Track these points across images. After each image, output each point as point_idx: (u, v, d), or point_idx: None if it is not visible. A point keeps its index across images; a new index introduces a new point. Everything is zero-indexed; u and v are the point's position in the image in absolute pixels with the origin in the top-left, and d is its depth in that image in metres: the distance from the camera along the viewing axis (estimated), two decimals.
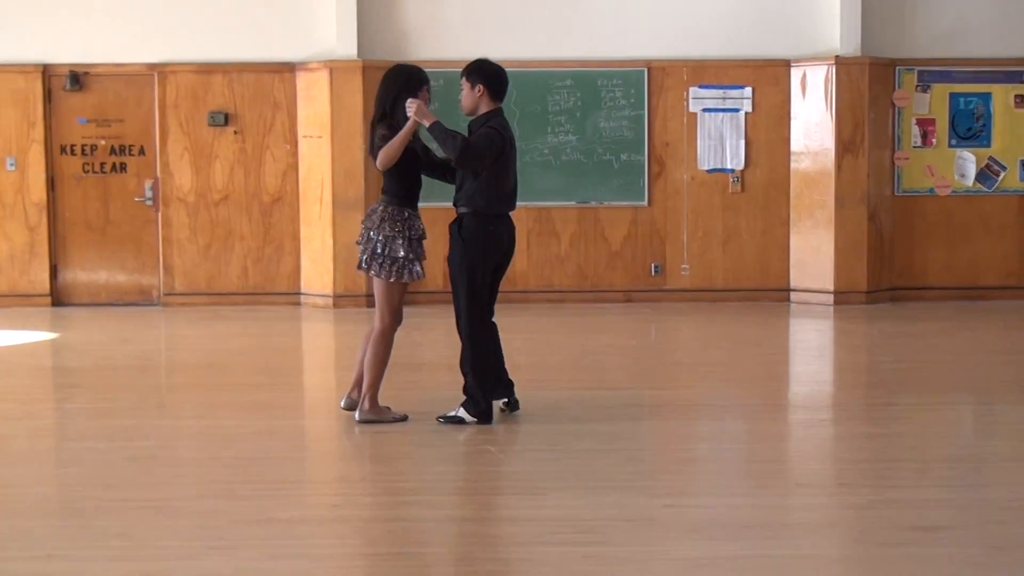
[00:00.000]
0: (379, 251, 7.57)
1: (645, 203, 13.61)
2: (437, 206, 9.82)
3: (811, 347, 11.43)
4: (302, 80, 13.45)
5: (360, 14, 13.30)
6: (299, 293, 13.66)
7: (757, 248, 13.72)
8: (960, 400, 8.64)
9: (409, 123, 7.52)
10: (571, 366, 9.91)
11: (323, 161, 13.34)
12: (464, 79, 7.79)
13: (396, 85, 7.65)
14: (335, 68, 13.21)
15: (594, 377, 9.15)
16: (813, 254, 13.51)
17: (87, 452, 7.11)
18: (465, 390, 7.77)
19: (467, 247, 7.73)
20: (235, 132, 13.53)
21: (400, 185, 7.64)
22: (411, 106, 7.52)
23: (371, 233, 7.62)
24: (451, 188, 7.92)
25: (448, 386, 8.33)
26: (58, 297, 13.63)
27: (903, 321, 12.40)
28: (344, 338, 11.81)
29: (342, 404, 7.98)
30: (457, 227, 7.79)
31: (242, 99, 13.51)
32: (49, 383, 9.74)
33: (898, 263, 13.72)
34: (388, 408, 7.76)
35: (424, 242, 7.82)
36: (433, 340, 11.82)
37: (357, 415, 7.68)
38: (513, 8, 13.56)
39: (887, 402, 8.41)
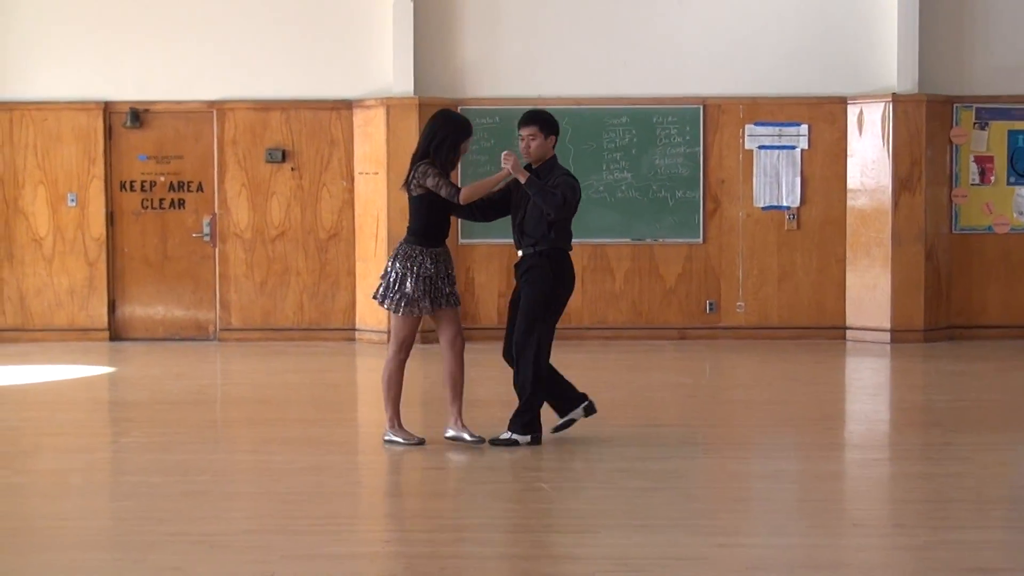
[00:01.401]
0: (392, 286, 7.93)
1: (700, 240, 13.57)
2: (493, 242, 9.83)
3: (867, 385, 11.33)
4: (359, 117, 13.56)
5: (417, 52, 13.40)
6: (354, 328, 13.73)
7: (813, 286, 13.64)
8: (1018, 440, 8.53)
9: (502, 173, 7.91)
10: (625, 403, 9.87)
11: (379, 197, 13.42)
12: (536, 128, 8.03)
13: (445, 130, 7.94)
14: (392, 105, 13.30)
15: (648, 415, 9.11)
16: (870, 292, 13.41)
17: (142, 486, 7.16)
18: (523, 410, 7.95)
19: (556, 279, 8.01)
20: (292, 169, 13.65)
21: (423, 224, 7.98)
22: (508, 160, 7.86)
23: (388, 266, 8.01)
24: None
25: (503, 423, 8.31)
26: (116, 332, 13.76)
27: (960, 360, 12.27)
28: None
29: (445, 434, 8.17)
30: (545, 261, 7.98)
31: (299, 136, 13.63)
32: (105, 417, 9.83)
33: (956, 301, 13.60)
34: (406, 431, 8.11)
35: (443, 279, 8.00)
36: (487, 377, 11.82)
37: (385, 436, 8.10)
38: (569, 46, 13.61)
39: (944, 441, 8.32)
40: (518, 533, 6.15)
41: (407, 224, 8.08)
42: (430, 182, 7.83)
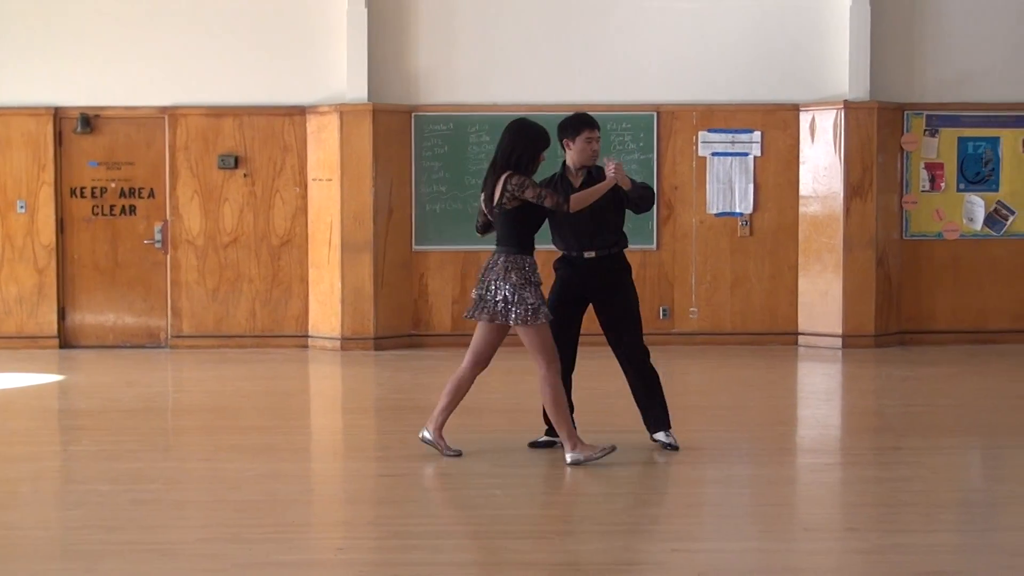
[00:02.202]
0: (511, 300, 7.62)
1: (654, 247, 13.61)
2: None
3: (819, 391, 11.39)
4: (312, 123, 13.51)
5: (371, 58, 13.37)
6: (307, 336, 13.67)
7: (766, 292, 13.71)
8: (968, 444, 8.60)
9: (607, 182, 7.81)
10: (579, 409, 9.86)
11: (332, 204, 13.38)
12: (596, 130, 8.12)
13: (524, 142, 7.78)
14: (345, 112, 13.27)
15: (603, 420, 9.11)
16: (821, 298, 13.49)
17: (92, 495, 7.09)
18: (662, 405, 8.06)
19: (632, 280, 8.17)
20: (245, 175, 13.58)
21: (519, 234, 7.71)
22: (617, 171, 7.82)
23: (496, 284, 7.67)
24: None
25: (457, 429, 8.28)
26: (66, 339, 13.65)
27: (911, 365, 12.37)
28: (351, 381, 11.80)
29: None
30: (615, 266, 8.11)
31: (252, 142, 13.57)
32: (55, 425, 9.73)
33: (906, 307, 13.70)
34: (591, 445, 7.75)
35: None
36: (441, 383, 11.80)
37: (568, 457, 7.65)
38: (523, 53, 13.63)
39: (895, 446, 8.37)
40: (472, 540, 6.14)
41: (497, 238, 7.80)
42: (530, 194, 7.60)
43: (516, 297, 7.61)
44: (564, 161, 8.25)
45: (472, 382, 7.98)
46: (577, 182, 8.09)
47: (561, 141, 8.21)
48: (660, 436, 8.10)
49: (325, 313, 13.54)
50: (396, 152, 13.46)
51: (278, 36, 13.59)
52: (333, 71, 13.51)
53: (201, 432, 9.19)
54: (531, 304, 7.60)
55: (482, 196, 7.88)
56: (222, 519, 6.55)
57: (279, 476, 7.54)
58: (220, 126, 13.55)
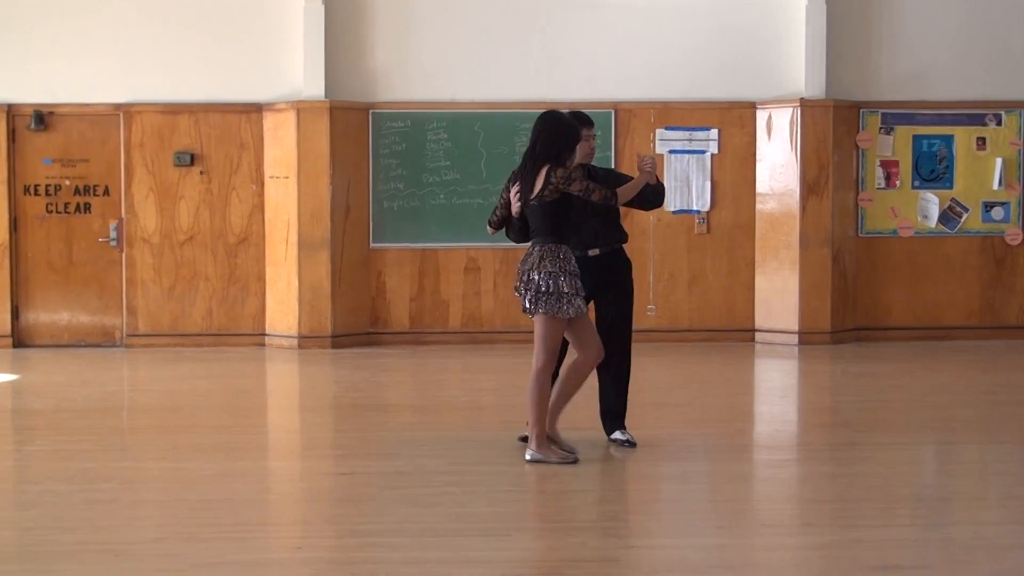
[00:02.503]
0: (543, 289, 7.53)
1: None
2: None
3: (776, 387, 11.45)
4: (269, 121, 13.46)
5: (328, 55, 13.33)
6: (264, 334, 13.61)
7: (722, 289, 13.77)
8: (923, 440, 8.67)
9: (643, 176, 7.91)
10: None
11: (289, 202, 13.33)
12: (592, 128, 8.16)
13: (560, 135, 7.67)
14: (302, 109, 13.22)
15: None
16: (778, 295, 13.56)
17: (46, 495, 7.03)
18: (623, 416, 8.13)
19: (631, 278, 8.25)
20: (201, 172, 13.51)
21: (555, 224, 7.62)
22: (652, 165, 7.92)
23: (532, 274, 7.58)
24: None
25: (415, 427, 8.27)
26: (20, 338, 13.53)
27: (867, 361, 12.45)
28: (309, 379, 11.77)
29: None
30: (618, 262, 8.17)
31: (208, 139, 13.50)
32: (8, 425, 9.64)
33: (862, 304, 13.79)
34: (555, 449, 7.71)
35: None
36: (399, 382, 11.79)
37: (527, 454, 7.66)
38: (482, 51, 13.62)
39: (851, 442, 8.42)
40: (429, 537, 6.13)
41: (532, 230, 7.67)
42: (576, 187, 7.52)
43: (550, 286, 7.51)
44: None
45: (552, 377, 7.77)
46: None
47: None
48: (618, 435, 8.13)
49: (282, 311, 13.49)
50: (353, 150, 13.43)
51: (234, 33, 13.52)
52: (290, 68, 13.45)
53: (157, 431, 9.13)
54: (564, 293, 7.52)
55: (510, 190, 7.75)
56: (178, 519, 6.51)
57: (236, 475, 7.51)
58: (176, 123, 13.47)
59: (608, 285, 8.12)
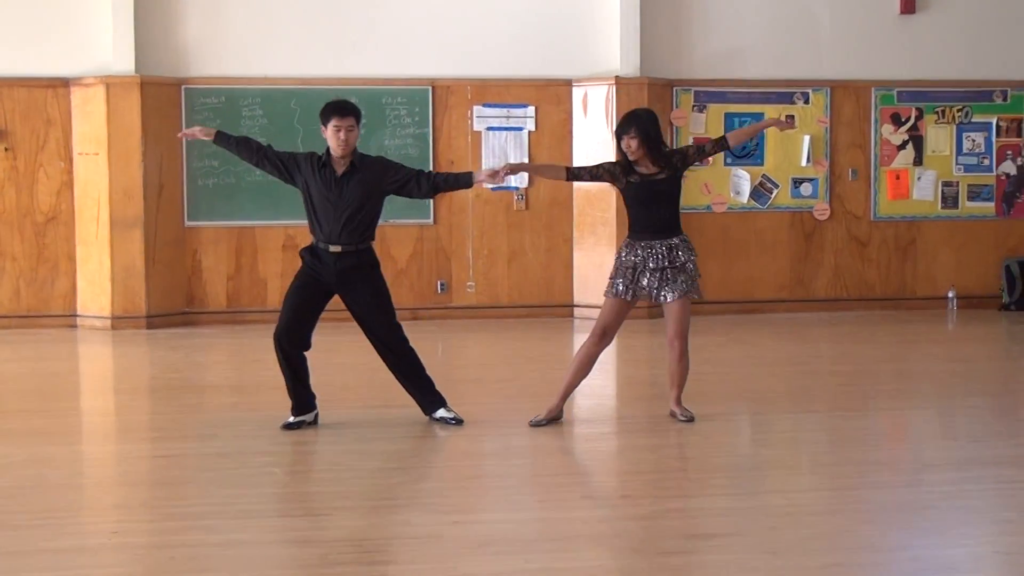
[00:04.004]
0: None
1: (431, 221, 13.64)
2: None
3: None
4: (77, 96, 13.08)
5: (137, 29, 13.00)
6: (75, 315, 13.25)
7: (541, 265, 13.89)
8: (736, 411, 8.89)
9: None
10: (355, 385, 9.85)
11: (100, 179, 12.98)
12: (354, 120, 8.11)
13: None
14: (112, 84, 12.88)
15: (380, 396, 9.10)
16: (596, 270, 13.71)
17: None
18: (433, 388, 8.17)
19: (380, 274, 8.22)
20: (5, 149, 13.07)
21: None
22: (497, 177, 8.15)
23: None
24: None
25: (234, 408, 8.16)
26: None
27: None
28: (123, 360, 11.50)
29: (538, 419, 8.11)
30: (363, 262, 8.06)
31: (13, 115, 13.06)
32: None
33: None
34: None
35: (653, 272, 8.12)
36: (216, 361, 11.62)
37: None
38: (297, 26, 13.44)
39: (668, 414, 8.58)
40: (249, 519, 6.05)
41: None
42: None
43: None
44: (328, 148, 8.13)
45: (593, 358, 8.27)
46: (339, 171, 8.00)
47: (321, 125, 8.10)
48: (442, 412, 8.14)
49: (94, 292, 13.15)
50: (166, 126, 13.13)
51: (40, 5, 13.09)
52: (98, 42, 13.08)
53: None
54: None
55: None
56: None
57: (47, 460, 7.30)
58: None
59: (349, 282, 8.02)
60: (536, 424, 8.07)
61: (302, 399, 8.07)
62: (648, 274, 8.08)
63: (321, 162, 8.04)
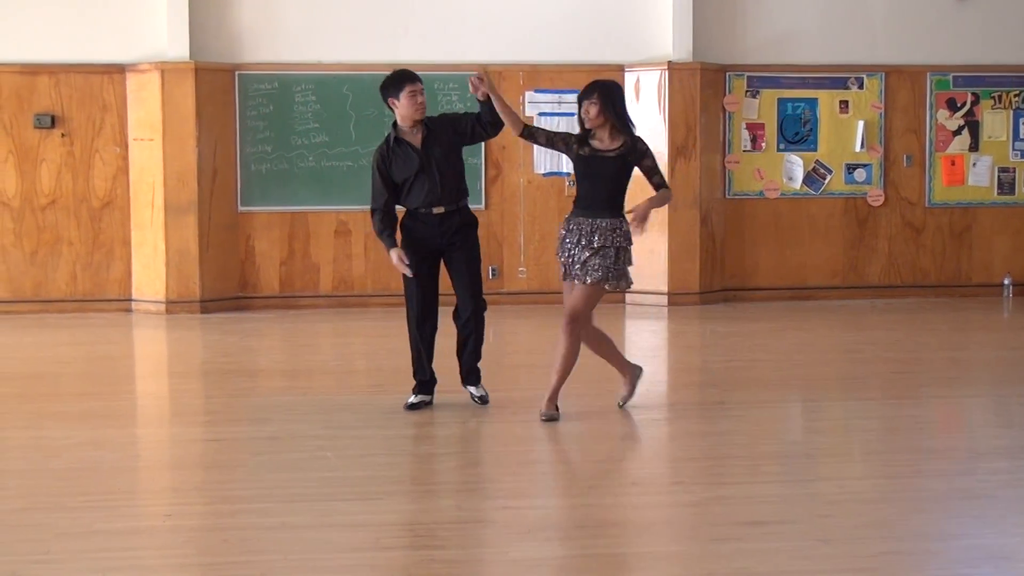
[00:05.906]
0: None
1: (482, 207, 13.64)
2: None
3: (646, 348, 11.57)
4: (132, 82, 13.17)
5: (192, 15, 13.07)
6: (130, 299, 13.37)
7: None
8: (788, 398, 8.85)
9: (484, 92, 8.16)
10: (408, 370, 9.88)
11: (155, 164, 13.08)
12: (418, 83, 8.22)
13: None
14: (167, 70, 12.96)
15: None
16: (648, 256, 13.66)
17: None
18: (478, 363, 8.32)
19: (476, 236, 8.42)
20: (62, 135, 13.19)
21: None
22: (482, 81, 8.09)
23: None
24: None
25: (286, 392, 8.21)
26: None
27: (734, 321, 12.65)
28: (176, 344, 11.60)
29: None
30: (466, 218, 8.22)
31: (70, 101, 13.17)
32: None
33: (729, 264, 13.99)
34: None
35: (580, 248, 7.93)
36: (269, 346, 11.70)
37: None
38: (350, 12, 13.47)
39: (719, 401, 8.56)
40: (300, 502, 6.10)
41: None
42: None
43: None
44: (395, 121, 8.21)
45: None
46: (417, 140, 8.08)
47: (386, 101, 8.16)
48: (472, 389, 8.28)
49: (149, 276, 13.26)
50: (220, 111, 13.21)
51: None
52: (153, 28, 13.17)
53: (19, 399, 8.91)
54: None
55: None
56: (43, 488, 6.38)
57: (103, 443, 7.38)
58: (35, 84, 13.12)
59: (451, 244, 8.15)
60: (623, 403, 8.19)
61: (432, 377, 8.22)
62: (566, 252, 7.83)
63: (390, 144, 8.07)
